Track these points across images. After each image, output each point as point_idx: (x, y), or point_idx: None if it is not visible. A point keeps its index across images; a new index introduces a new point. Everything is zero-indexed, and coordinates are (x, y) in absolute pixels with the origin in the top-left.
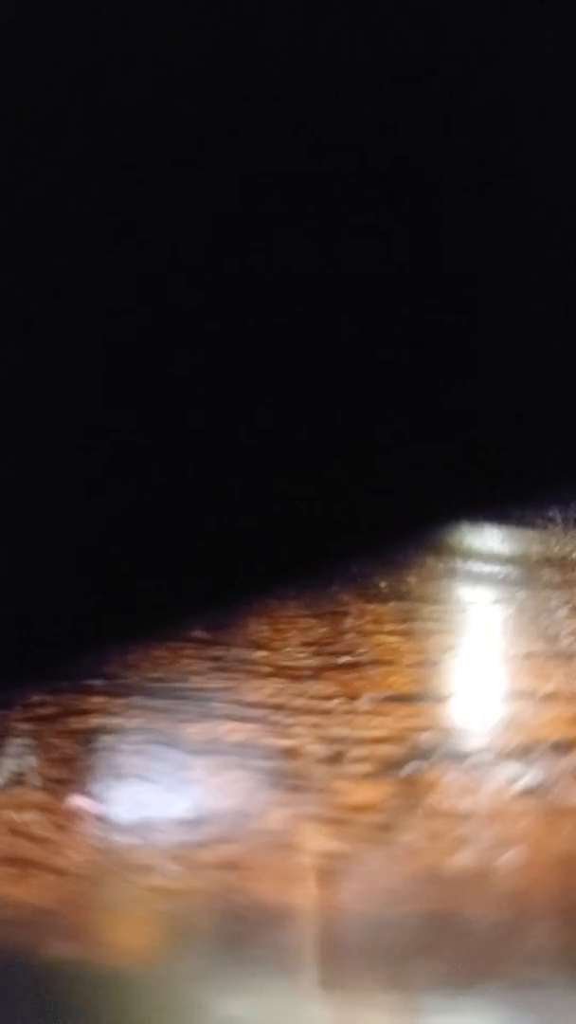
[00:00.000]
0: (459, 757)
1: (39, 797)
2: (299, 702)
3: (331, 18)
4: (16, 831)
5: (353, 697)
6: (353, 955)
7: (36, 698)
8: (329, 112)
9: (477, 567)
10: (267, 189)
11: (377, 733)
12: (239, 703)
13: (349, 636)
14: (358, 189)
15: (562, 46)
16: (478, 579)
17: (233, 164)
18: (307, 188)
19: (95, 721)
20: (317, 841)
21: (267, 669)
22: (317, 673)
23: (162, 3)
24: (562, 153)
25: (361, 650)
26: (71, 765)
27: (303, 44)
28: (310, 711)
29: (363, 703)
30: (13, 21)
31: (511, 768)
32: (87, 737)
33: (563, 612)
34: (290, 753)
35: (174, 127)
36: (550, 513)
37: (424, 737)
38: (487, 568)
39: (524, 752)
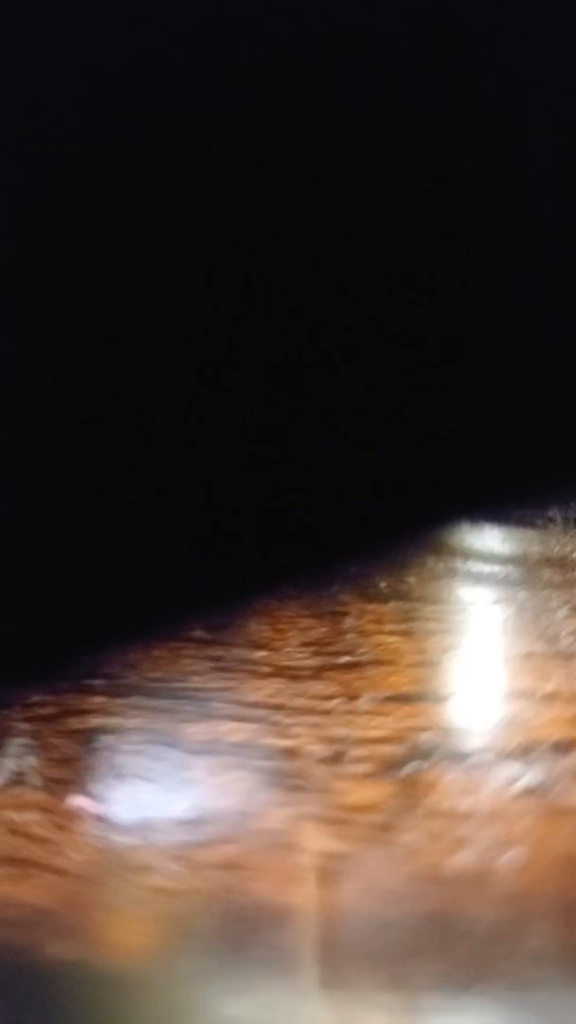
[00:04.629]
0: (459, 757)
1: (39, 797)
2: (299, 702)
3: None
4: (16, 831)
5: (353, 697)
6: (353, 955)
7: (36, 698)
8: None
9: (477, 567)
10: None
11: (377, 733)
12: (239, 703)
13: (349, 636)
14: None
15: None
16: (478, 579)
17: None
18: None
19: (95, 721)
20: (317, 841)
21: (267, 669)
22: (317, 673)
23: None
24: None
25: (361, 650)
26: (71, 765)
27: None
28: (310, 711)
29: (363, 703)
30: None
31: (511, 768)
32: (87, 737)
33: (563, 612)
34: (290, 753)
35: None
36: (550, 513)
37: (424, 737)
38: (487, 568)
39: (524, 752)
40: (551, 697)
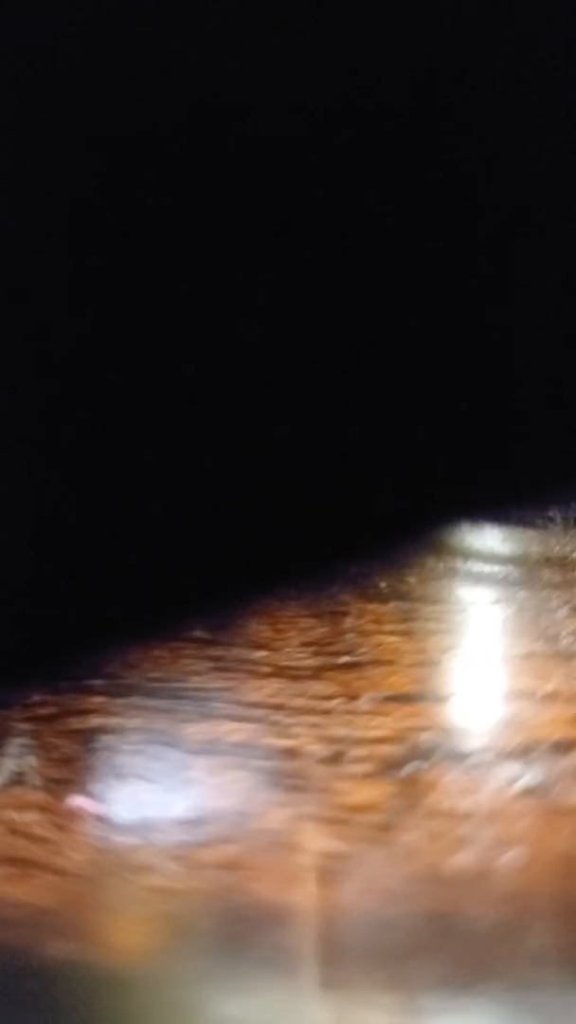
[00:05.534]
0: (459, 757)
1: (39, 797)
2: (299, 702)
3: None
4: (16, 831)
5: (353, 697)
6: (353, 955)
7: (36, 698)
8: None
9: (477, 567)
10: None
11: (377, 733)
12: (239, 703)
13: (349, 636)
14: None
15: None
16: (478, 579)
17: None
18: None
19: (95, 721)
20: (317, 841)
21: (267, 669)
22: (317, 673)
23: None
24: None
25: (361, 650)
26: (71, 765)
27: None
28: (310, 711)
29: (363, 703)
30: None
31: (511, 768)
32: (87, 737)
33: (563, 612)
34: (290, 753)
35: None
36: (550, 513)
37: (424, 737)
38: (487, 568)
39: (524, 752)
40: (551, 697)
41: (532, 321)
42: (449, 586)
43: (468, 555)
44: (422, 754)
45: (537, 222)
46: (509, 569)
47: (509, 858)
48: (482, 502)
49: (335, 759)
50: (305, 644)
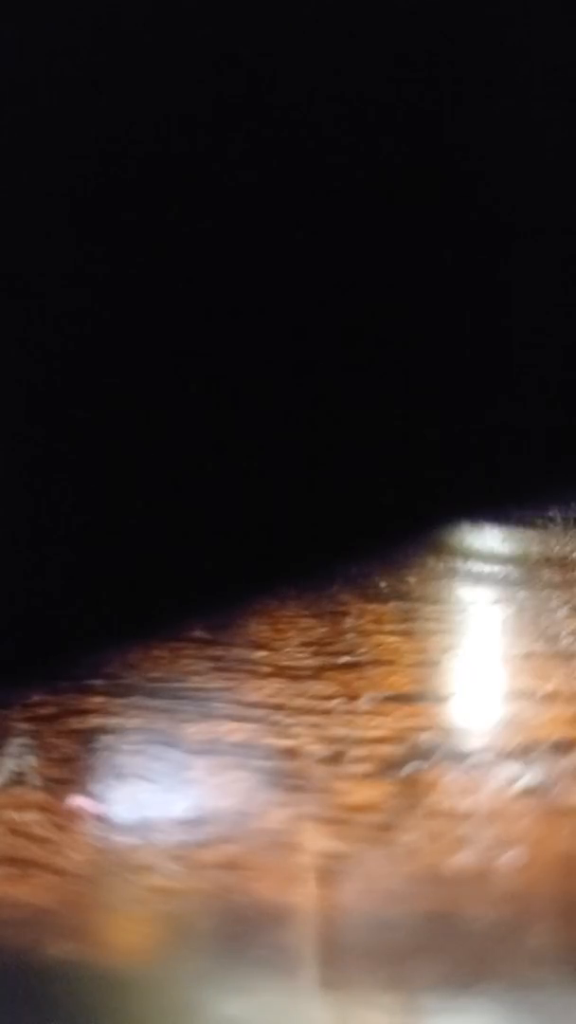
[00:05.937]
0: (459, 757)
1: (39, 797)
2: (299, 702)
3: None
4: (16, 831)
5: (353, 697)
6: (353, 955)
7: (36, 698)
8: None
9: (477, 567)
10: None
11: (377, 733)
12: (239, 703)
13: (349, 636)
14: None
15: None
16: (478, 579)
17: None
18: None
19: (95, 721)
20: (317, 841)
21: (267, 669)
22: (317, 673)
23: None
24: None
25: (361, 650)
26: (71, 765)
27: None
28: (310, 711)
29: (363, 703)
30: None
31: (511, 768)
32: (87, 737)
33: (563, 612)
34: (290, 753)
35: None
36: (550, 513)
37: (424, 737)
38: (487, 568)
39: (524, 752)
40: (551, 697)
41: (532, 321)
42: (449, 586)
43: (468, 555)
44: (422, 754)
45: (537, 222)
46: (509, 569)
47: (509, 858)
48: (482, 502)
49: (335, 759)
50: (305, 644)
